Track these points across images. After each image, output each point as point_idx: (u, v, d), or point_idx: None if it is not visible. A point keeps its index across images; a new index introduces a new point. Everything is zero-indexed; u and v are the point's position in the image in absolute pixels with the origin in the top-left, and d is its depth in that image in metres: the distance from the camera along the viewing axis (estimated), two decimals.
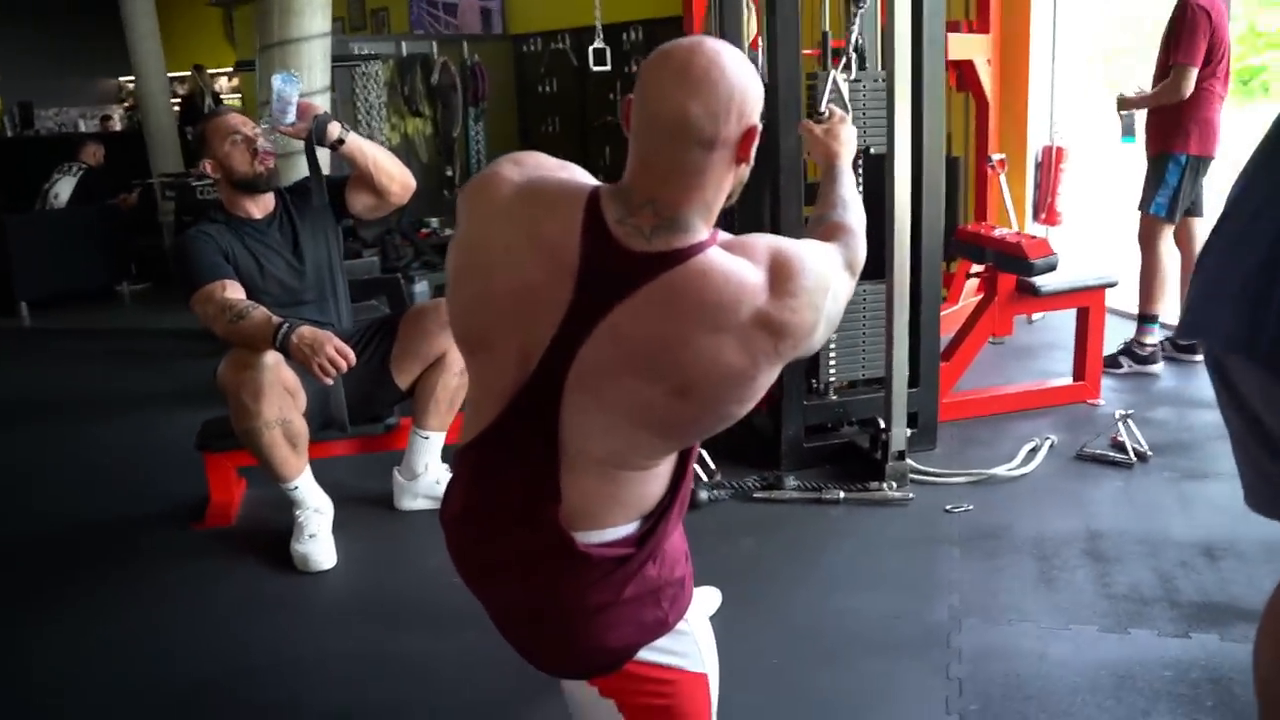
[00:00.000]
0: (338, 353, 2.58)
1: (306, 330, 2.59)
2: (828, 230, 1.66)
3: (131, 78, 8.95)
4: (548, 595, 1.45)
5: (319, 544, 2.82)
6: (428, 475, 3.12)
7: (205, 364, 4.88)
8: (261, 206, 2.94)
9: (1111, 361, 4.10)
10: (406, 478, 3.14)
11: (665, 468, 1.45)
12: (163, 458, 3.71)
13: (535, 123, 7.26)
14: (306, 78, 4.04)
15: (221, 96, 9.65)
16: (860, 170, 3.27)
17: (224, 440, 3.10)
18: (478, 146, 6.87)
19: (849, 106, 2.53)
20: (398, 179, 2.97)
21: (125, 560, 2.95)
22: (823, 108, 1.97)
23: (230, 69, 9.63)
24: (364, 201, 3.00)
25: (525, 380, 1.35)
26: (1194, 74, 3.86)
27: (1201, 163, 4.02)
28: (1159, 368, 4.12)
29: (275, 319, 2.63)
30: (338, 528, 2.90)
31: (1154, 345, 4.12)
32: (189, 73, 9.74)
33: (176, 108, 9.06)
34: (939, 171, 3.22)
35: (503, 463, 1.41)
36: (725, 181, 1.36)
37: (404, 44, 6.59)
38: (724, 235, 1.37)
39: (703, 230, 1.34)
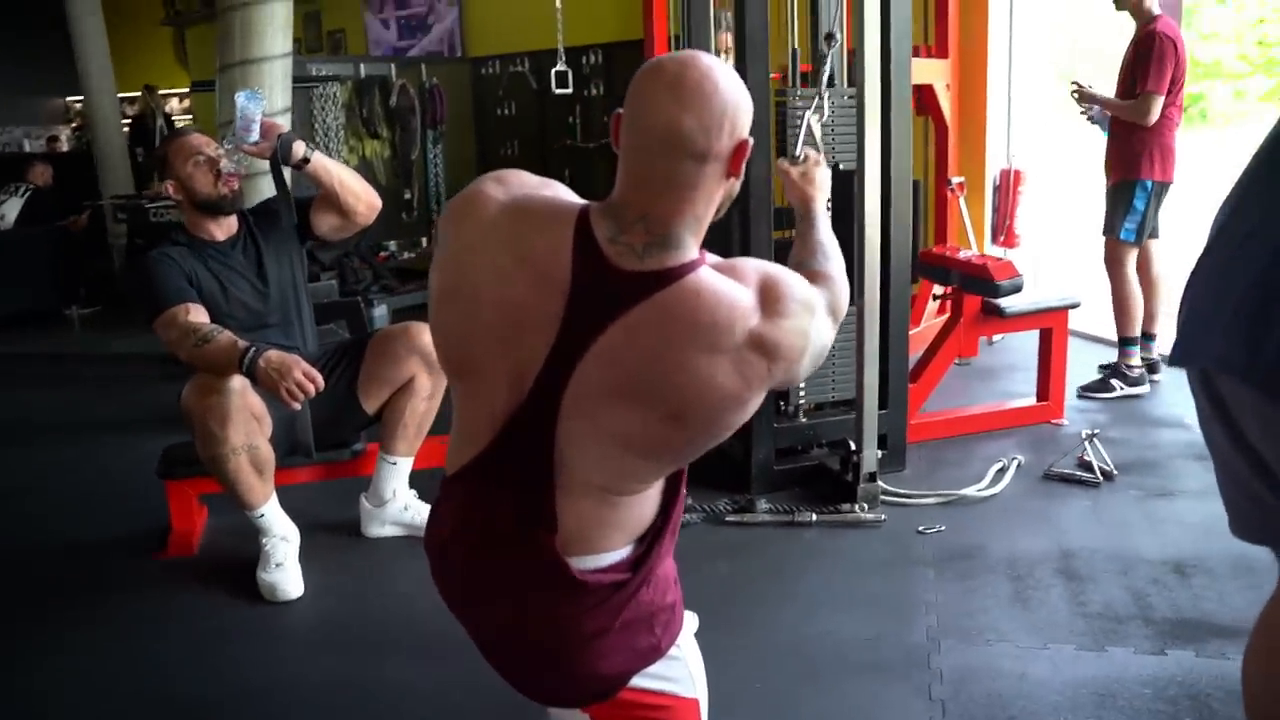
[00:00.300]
0: (306, 377, 2.53)
1: (274, 354, 2.55)
2: (809, 277, 1.64)
3: (79, 97, 8.78)
4: (541, 623, 1.42)
5: (286, 572, 2.76)
6: (395, 501, 3.06)
7: (160, 389, 4.85)
8: (225, 229, 2.89)
9: (1102, 385, 4.16)
10: (374, 504, 3.09)
11: (656, 490, 1.44)
12: (119, 486, 3.62)
13: (494, 145, 7.24)
14: (268, 99, 3.98)
15: (173, 117, 9.49)
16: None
17: (186, 467, 3.03)
18: (436, 169, 6.83)
19: (821, 147, 2.53)
20: (364, 199, 2.94)
21: (85, 592, 2.86)
22: (798, 151, 1.95)
23: (184, 90, 9.48)
24: (329, 222, 2.96)
25: (519, 404, 1.33)
26: (1160, 102, 3.94)
27: (1164, 188, 4.10)
28: (1147, 388, 4.17)
29: (241, 343, 2.58)
30: (304, 556, 2.84)
31: (1140, 367, 4.18)
32: (139, 93, 9.59)
33: (126, 128, 8.90)
34: (907, 194, 3.25)
35: (496, 489, 1.38)
36: (715, 196, 1.36)
37: (362, 66, 6.54)
38: (712, 257, 1.36)
39: (693, 248, 1.33)
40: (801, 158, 1.93)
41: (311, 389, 2.54)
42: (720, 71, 1.31)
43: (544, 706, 1.57)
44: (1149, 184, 4.05)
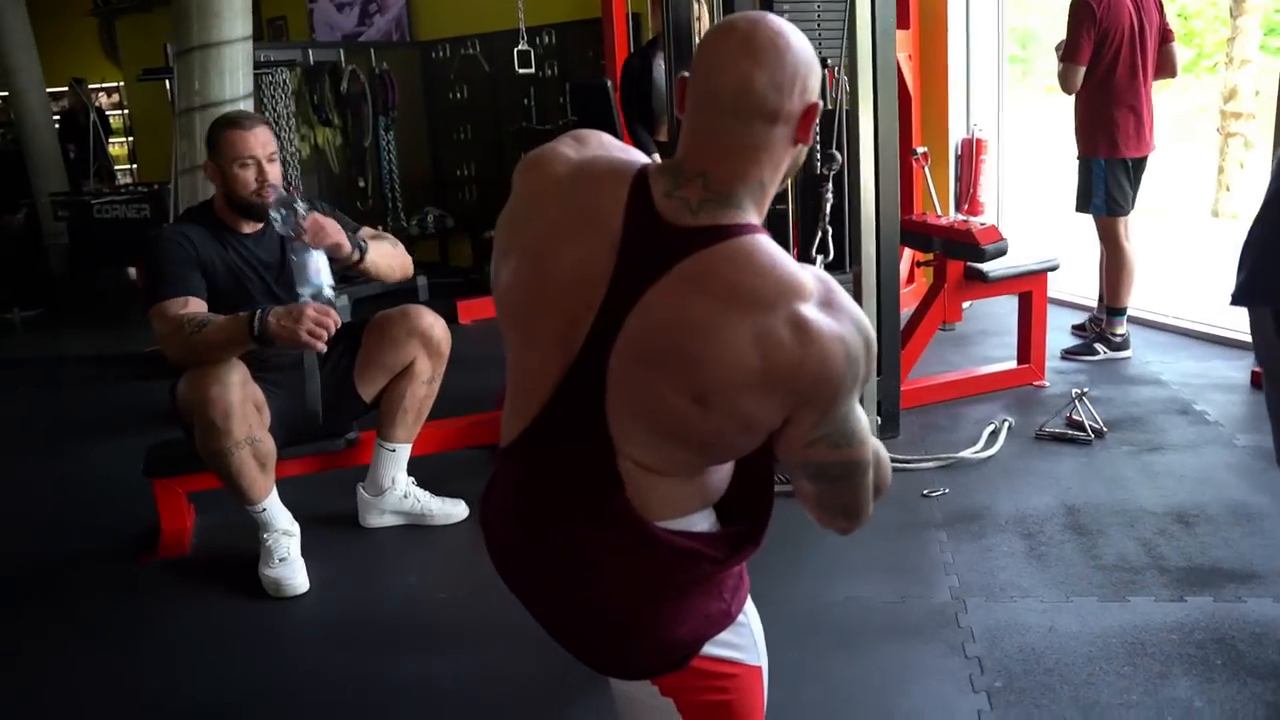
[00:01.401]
0: (319, 313, 2.46)
1: (278, 308, 2.49)
2: None
3: (4, 93, 8.46)
4: (613, 589, 1.38)
5: (291, 567, 2.69)
6: (395, 489, 3.00)
7: (114, 388, 4.71)
8: (251, 224, 2.78)
9: (1085, 349, 4.22)
10: (372, 494, 3.02)
11: (725, 467, 1.40)
12: (94, 489, 3.51)
13: (447, 130, 7.12)
14: (229, 84, 3.87)
15: (106, 113, 9.20)
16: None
17: (174, 465, 2.94)
18: (389, 155, 6.71)
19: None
20: (401, 274, 2.90)
21: (78, 599, 2.76)
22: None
23: (115, 84, 9.18)
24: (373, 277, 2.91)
25: (569, 367, 1.29)
26: (1078, 71, 3.97)
27: (1125, 164, 4.09)
28: (1129, 353, 4.23)
29: (241, 314, 2.49)
30: (304, 551, 2.76)
31: (1124, 334, 4.24)
32: (66, 88, 9.27)
33: (56, 124, 8.59)
34: (894, 162, 3.25)
35: (555, 455, 1.34)
36: (783, 163, 1.31)
37: (311, 52, 6.38)
38: None
39: (753, 213, 1.29)
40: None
41: (330, 323, 2.47)
42: (791, 30, 1.28)
43: (611, 682, 1.53)
44: (1102, 162, 4.09)
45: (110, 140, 8.91)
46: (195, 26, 3.81)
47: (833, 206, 2.42)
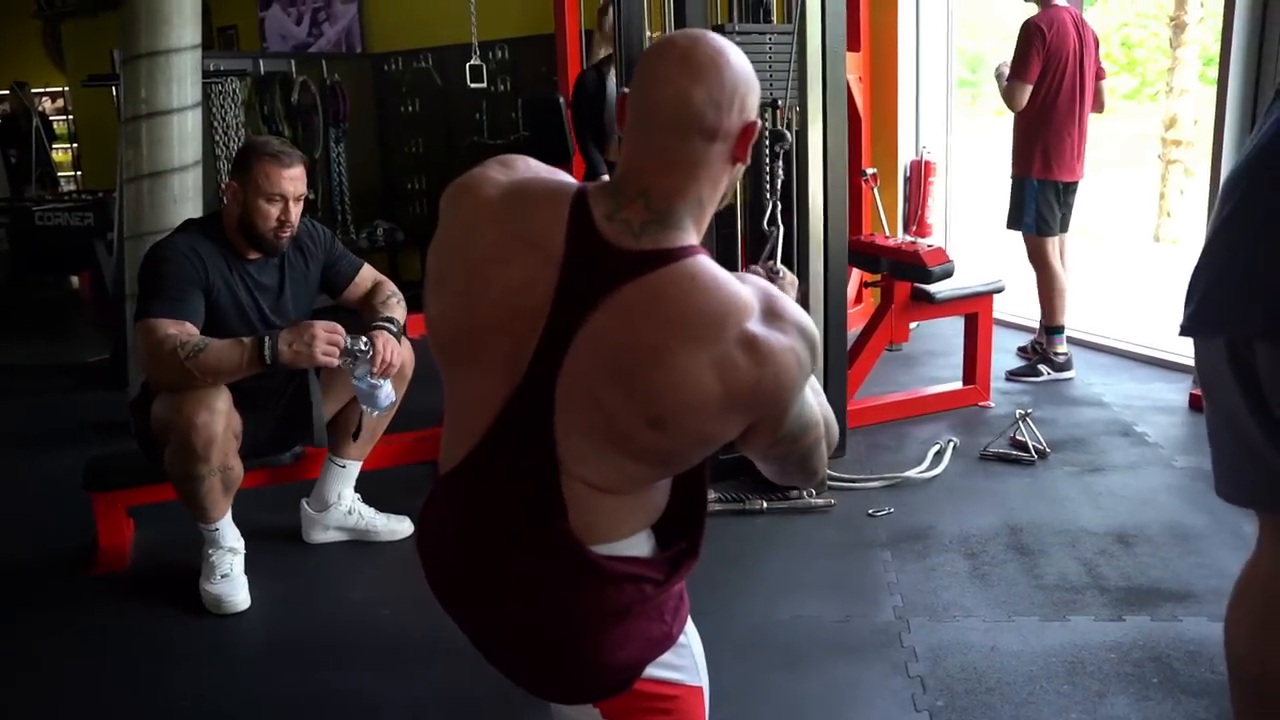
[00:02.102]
0: (326, 330, 2.48)
1: (284, 331, 2.47)
2: None
3: None
4: (555, 615, 1.37)
5: (233, 583, 2.64)
6: (340, 505, 2.97)
7: (54, 400, 4.61)
8: (256, 252, 2.71)
9: (1029, 370, 4.29)
10: (316, 509, 2.98)
11: (665, 482, 1.40)
12: (31, 501, 3.43)
13: (398, 143, 7.08)
14: (176, 93, 3.81)
15: (50, 117, 9.03)
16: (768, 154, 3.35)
17: (114, 479, 2.89)
18: (339, 168, 6.65)
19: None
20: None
21: (11, 613, 2.69)
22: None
23: (59, 89, 9.02)
24: (355, 303, 2.92)
25: (514, 390, 1.28)
26: (1025, 89, 4.06)
27: (1056, 186, 4.19)
28: (1072, 373, 4.30)
29: (246, 339, 2.47)
30: (246, 566, 2.71)
31: (1065, 353, 4.32)
32: (8, 91, 9.09)
33: None
34: (843, 182, 3.29)
35: (497, 482, 1.33)
36: (721, 180, 1.32)
37: (261, 62, 6.32)
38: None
39: (693, 233, 1.29)
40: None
41: (339, 338, 2.50)
42: (731, 49, 1.29)
43: (552, 704, 1.52)
44: (1035, 182, 4.19)
45: (54, 146, 8.73)
46: (143, 33, 3.74)
47: (782, 226, 2.43)
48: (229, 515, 2.68)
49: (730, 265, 1.29)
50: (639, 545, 1.38)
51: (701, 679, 1.52)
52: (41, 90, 9.27)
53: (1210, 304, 1.35)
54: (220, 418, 2.49)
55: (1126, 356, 4.58)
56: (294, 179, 2.62)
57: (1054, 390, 4.18)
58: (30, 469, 3.74)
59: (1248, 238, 1.32)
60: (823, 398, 1.42)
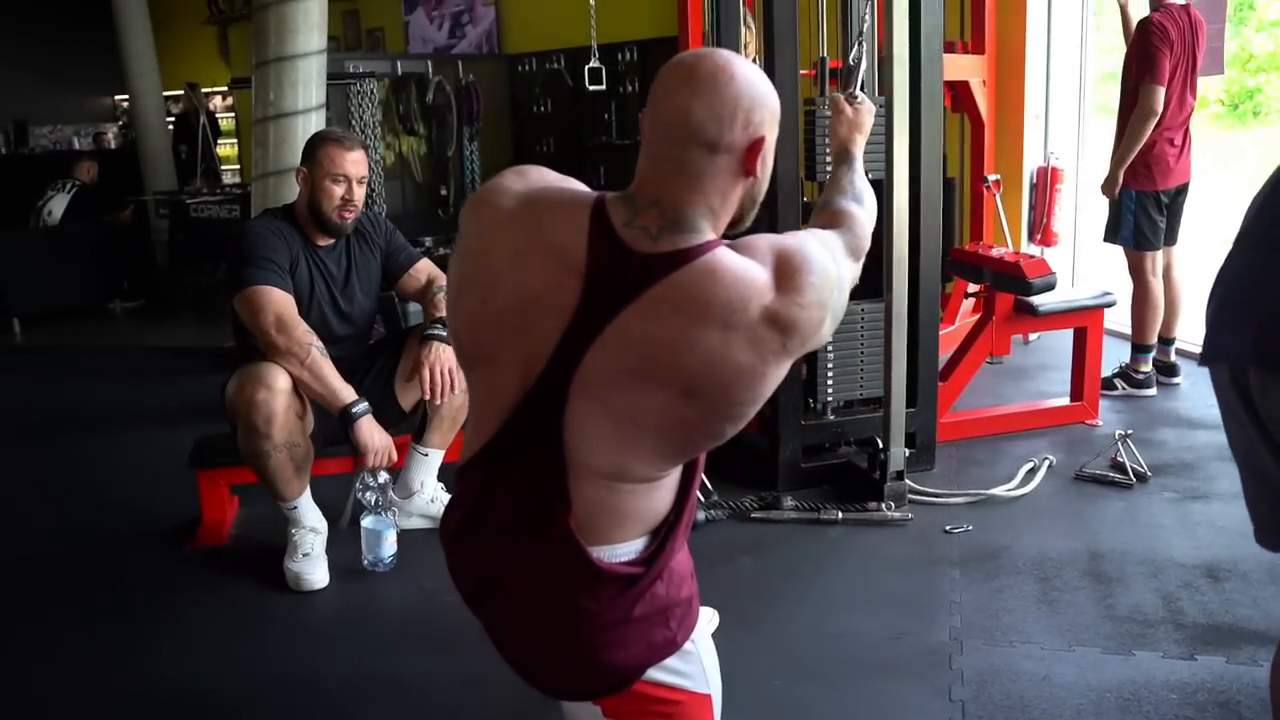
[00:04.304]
0: (389, 458, 2.70)
1: (373, 421, 2.67)
2: (833, 216, 1.66)
3: (126, 96, 8.94)
4: (557, 613, 1.41)
5: (313, 563, 2.79)
6: (422, 493, 3.08)
7: (195, 382, 4.92)
8: (324, 236, 2.90)
9: (1107, 384, 4.09)
10: (401, 496, 3.10)
11: (670, 481, 1.42)
12: (154, 475, 3.68)
13: (530, 142, 7.26)
14: (301, 95, 4.03)
15: (216, 115, 9.62)
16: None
17: (218, 457, 3.08)
18: (472, 165, 6.87)
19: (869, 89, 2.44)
20: None
21: (116, 578, 2.92)
22: (857, 90, 1.96)
23: (224, 88, 9.61)
24: (412, 295, 3.09)
25: (528, 389, 1.33)
26: (1160, 91, 3.85)
27: (1157, 197, 3.99)
28: (1153, 392, 4.12)
29: (348, 393, 2.67)
30: (331, 547, 2.86)
31: (1148, 371, 4.13)
32: (182, 91, 9.73)
33: (171, 126, 9.04)
34: (937, 192, 3.22)
35: (508, 477, 1.38)
36: (731, 192, 1.34)
37: (399, 63, 6.58)
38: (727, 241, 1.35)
39: (709, 232, 1.33)
40: (860, 99, 1.94)
41: (388, 465, 2.72)
42: (739, 66, 1.31)
43: (556, 700, 1.56)
44: (1134, 194, 3.99)
45: (220, 142, 9.30)
46: (273, 40, 3.98)
47: (866, 60, 2.49)
48: (307, 494, 2.82)
49: None
50: (637, 549, 1.41)
51: (710, 687, 1.54)
52: (211, 90, 9.88)
53: (1213, 334, 1.29)
54: (280, 396, 2.63)
55: None
56: (355, 161, 2.81)
57: (1169, 410, 3.96)
58: (155, 445, 4.00)
59: (1248, 261, 1.25)
60: (858, 218, 1.64)
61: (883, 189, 3.01)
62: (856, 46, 2.54)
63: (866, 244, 1.61)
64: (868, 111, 1.99)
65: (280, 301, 2.68)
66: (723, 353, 1.26)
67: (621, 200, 1.33)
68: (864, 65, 2.31)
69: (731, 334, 1.25)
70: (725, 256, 1.29)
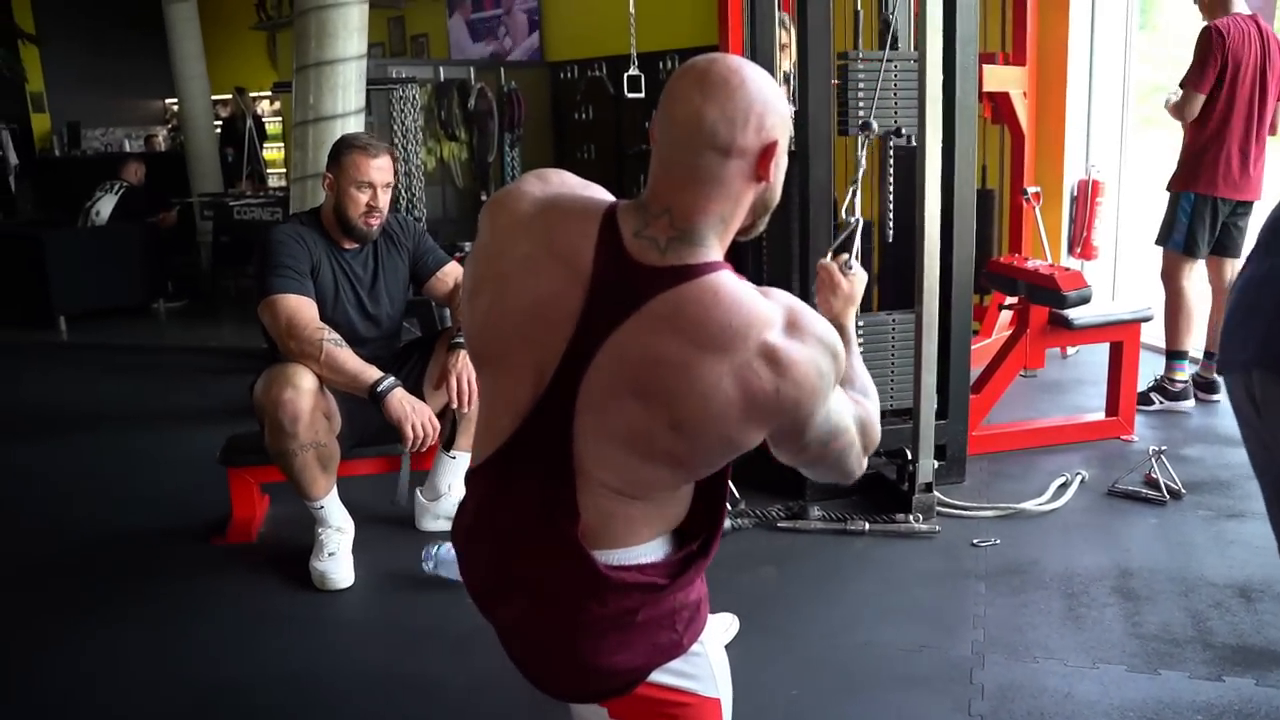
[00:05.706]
0: (430, 423, 2.69)
1: (406, 393, 2.68)
2: None
3: (176, 99, 9.11)
4: (561, 616, 1.42)
5: (338, 562, 2.81)
6: (450, 496, 3.10)
7: (233, 381, 4.99)
8: (350, 241, 2.94)
9: (1143, 398, 4.03)
10: (429, 498, 3.13)
11: (684, 491, 1.42)
12: (188, 472, 3.73)
13: (571, 149, 7.29)
14: (341, 99, 4.08)
15: (263, 119, 9.79)
16: (891, 162, 3.38)
17: (248, 456, 3.11)
18: (513, 172, 6.91)
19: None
20: None
21: (145, 572, 2.96)
22: (852, 262, 1.82)
23: (270, 92, 9.78)
24: (440, 298, 3.16)
25: (539, 397, 1.33)
26: (1198, 99, 3.80)
27: (1215, 204, 3.92)
28: (1190, 404, 4.06)
29: (371, 372, 2.68)
30: (358, 547, 2.89)
31: (1184, 381, 4.06)
32: (230, 95, 9.90)
33: (218, 129, 9.20)
34: (970, 202, 3.19)
35: (516, 481, 1.39)
36: (743, 198, 1.33)
37: (441, 69, 6.65)
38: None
39: (717, 250, 1.31)
40: (853, 269, 1.82)
41: (434, 437, 2.70)
42: (750, 70, 1.30)
43: (561, 702, 1.56)
44: (1192, 197, 3.93)
45: (267, 145, 9.45)
46: (314, 44, 4.04)
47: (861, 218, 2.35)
48: (334, 494, 2.85)
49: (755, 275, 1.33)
50: (653, 552, 1.42)
51: (719, 691, 1.53)
52: (258, 94, 10.05)
53: (1224, 343, 1.27)
54: (306, 395, 2.66)
55: None
56: (380, 168, 2.82)
57: (1208, 426, 3.89)
58: (194, 443, 4.06)
59: (1259, 269, 1.23)
60: (867, 404, 1.49)
61: (914, 198, 3.01)
62: (850, 193, 2.30)
63: (874, 437, 1.47)
64: (860, 282, 1.80)
65: (293, 306, 2.71)
66: (711, 380, 1.23)
67: (633, 209, 1.32)
68: (859, 226, 2.14)
69: (722, 362, 1.22)
70: (732, 281, 1.28)
